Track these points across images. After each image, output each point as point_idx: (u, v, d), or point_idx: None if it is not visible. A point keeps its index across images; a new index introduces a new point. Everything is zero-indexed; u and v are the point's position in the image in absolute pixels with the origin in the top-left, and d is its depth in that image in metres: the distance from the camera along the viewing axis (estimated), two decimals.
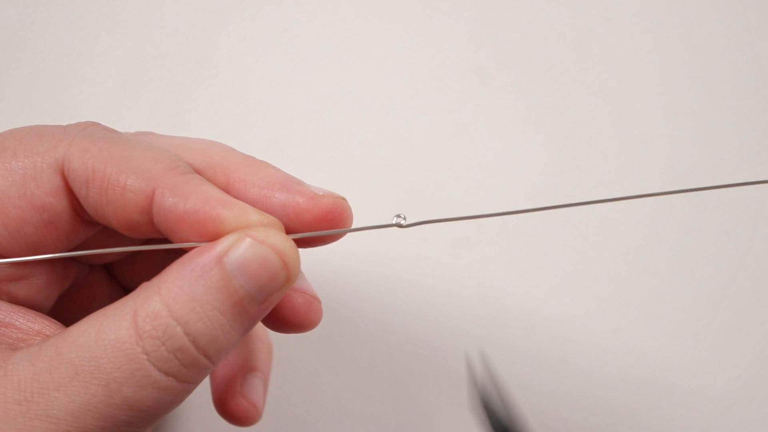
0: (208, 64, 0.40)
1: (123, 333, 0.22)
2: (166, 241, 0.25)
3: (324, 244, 0.26)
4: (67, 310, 0.28)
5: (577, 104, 0.40)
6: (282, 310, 0.26)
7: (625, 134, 0.40)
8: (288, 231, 0.25)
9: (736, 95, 0.40)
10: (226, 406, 0.31)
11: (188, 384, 0.23)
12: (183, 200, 0.24)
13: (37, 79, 0.40)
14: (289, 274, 0.24)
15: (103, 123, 0.41)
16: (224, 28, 0.41)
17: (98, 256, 0.29)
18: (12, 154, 0.25)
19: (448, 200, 0.39)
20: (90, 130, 0.26)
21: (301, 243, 0.26)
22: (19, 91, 0.40)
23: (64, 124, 0.37)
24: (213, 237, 0.24)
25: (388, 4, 0.41)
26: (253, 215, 0.24)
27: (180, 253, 0.24)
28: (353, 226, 0.26)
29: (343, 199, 0.26)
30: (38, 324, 0.24)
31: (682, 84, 0.40)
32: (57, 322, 0.25)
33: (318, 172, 0.40)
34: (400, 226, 0.26)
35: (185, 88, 0.40)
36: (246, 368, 0.31)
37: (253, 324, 0.24)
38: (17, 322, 0.24)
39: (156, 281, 0.23)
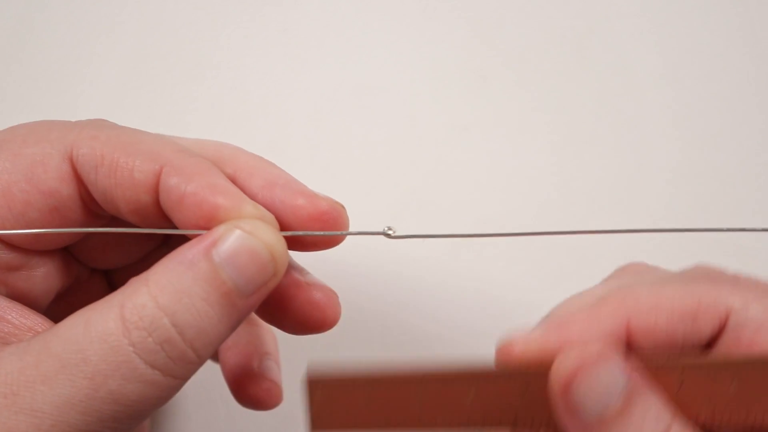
0: (209, 65, 0.40)
1: (110, 325, 0.22)
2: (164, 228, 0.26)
3: (318, 249, 0.27)
4: (63, 312, 0.28)
5: (577, 104, 0.40)
6: (303, 306, 0.26)
7: (626, 135, 0.40)
8: (283, 227, 0.26)
9: (739, 94, 0.40)
10: (247, 390, 0.31)
11: (174, 379, 0.23)
12: (186, 182, 0.24)
13: (38, 79, 0.40)
14: (276, 267, 0.24)
15: None
16: (224, 28, 0.41)
17: (100, 259, 0.29)
18: (22, 141, 0.25)
19: (447, 200, 0.39)
20: (99, 123, 0.27)
21: (297, 245, 0.26)
22: (20, 91, 0.40)
23: None
24: (208, 222, 0.24)
25: (388, 4, 0.41)
26: (249, 207, 0.24)
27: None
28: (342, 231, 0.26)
29: (341, 205, 0.26)
30: (31, 321, 0.24)
31: (684, 84, 0.40)
32: (50, 320, 0.25)
33: (318, 171, 0.40)
34: (387, 236, 0.27)
35: (186, 88, 0.40)
36: (258, 353, 0.32)
37: (240, 319, 0.24)
38: (10, 317, 0.24)
39: (145, 274, 0.23)
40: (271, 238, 0.24)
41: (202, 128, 0.40)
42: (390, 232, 0.27)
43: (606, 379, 0.23)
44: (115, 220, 0.27)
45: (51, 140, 0.25)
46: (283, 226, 0.26)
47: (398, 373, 0.25)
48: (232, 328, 0.24)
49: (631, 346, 0.26)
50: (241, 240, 0.23)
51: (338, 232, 0.26)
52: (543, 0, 0.40)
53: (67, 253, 0.28)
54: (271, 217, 0.25)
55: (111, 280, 0.31)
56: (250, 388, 0.31)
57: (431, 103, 0.40)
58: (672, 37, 0.40)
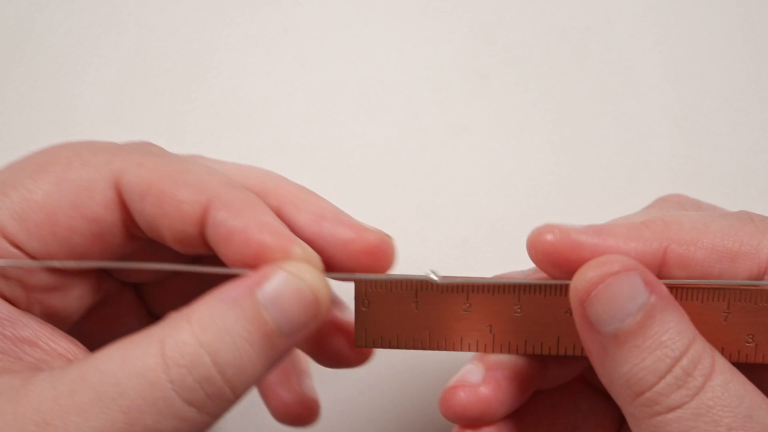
0: (209, 65, 0.40)
1: (150, 360, 0.22)
2: (208, 262, 0.26)
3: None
4: (91, 324, 0.28)
5: (577, 104, 0.40)
6: (339, 344, 0.27)
7: (626, 135, 0.40)
8: (332, 262, 0.26)
9: (739, 94, 0.40)
10: (290, 409, 0.31)
11: (209, 417, 0.22)
12: (234, 217, 0.24)
13: (38, 79, 0.40)
14: (319, 309, 0.24)
15: (104, 124, 0.41)
16: (224, 28, 0.41)
17: (134, 274, 0.29)
18: (67, 164, 0.25)
19: (448, 200, 0.39)
20: (145, 148, 0.26)
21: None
22: (20, 91, 0.40)
23: (66, 124, 0.37)
24: (254, 260, 0.24)
25: (388, 5, 0.41)
26: (296, 248, 0.24)
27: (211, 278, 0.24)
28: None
29: (390, 237, 0.26)
30: (62, 347, 0.24)
31: (684, 84, 0.40)
32: (81, 345, 0.25)
33: (317, 171, 0.40)
34: (432, 281, 0.27)
35: (185, 88, 0.40)
36: (296, 370, 0.32)
37: (278, 359, 0.23)
38: (41, 342, 0.24)
39: (186, 311, 0.23)
40: (316, 280, 0.23)
41: (202, 128, 0.40)
42: (434, 277, 0.26)
43: (625, 294, 0.22)
44: (153, 241, 0.26)
45: (97, 165, 0.25)
46: (331, 261, 0.25)
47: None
48: (269, 368, 0.23)
49: (661, 274, 0.25)
50: (286, 281, 0.23)
51: (382, 276, 0.26)
52: (543, 0, 0.40)
53: (101, 270, 0.28)
54: (317, 258, 0.25)
55: (140, 293, 0.31)
56: (294, 407, 0.31)
57: (431, 102, 0.40)
58: (672, 37, 0.40)
